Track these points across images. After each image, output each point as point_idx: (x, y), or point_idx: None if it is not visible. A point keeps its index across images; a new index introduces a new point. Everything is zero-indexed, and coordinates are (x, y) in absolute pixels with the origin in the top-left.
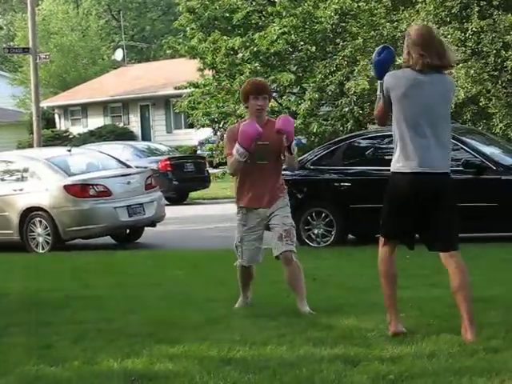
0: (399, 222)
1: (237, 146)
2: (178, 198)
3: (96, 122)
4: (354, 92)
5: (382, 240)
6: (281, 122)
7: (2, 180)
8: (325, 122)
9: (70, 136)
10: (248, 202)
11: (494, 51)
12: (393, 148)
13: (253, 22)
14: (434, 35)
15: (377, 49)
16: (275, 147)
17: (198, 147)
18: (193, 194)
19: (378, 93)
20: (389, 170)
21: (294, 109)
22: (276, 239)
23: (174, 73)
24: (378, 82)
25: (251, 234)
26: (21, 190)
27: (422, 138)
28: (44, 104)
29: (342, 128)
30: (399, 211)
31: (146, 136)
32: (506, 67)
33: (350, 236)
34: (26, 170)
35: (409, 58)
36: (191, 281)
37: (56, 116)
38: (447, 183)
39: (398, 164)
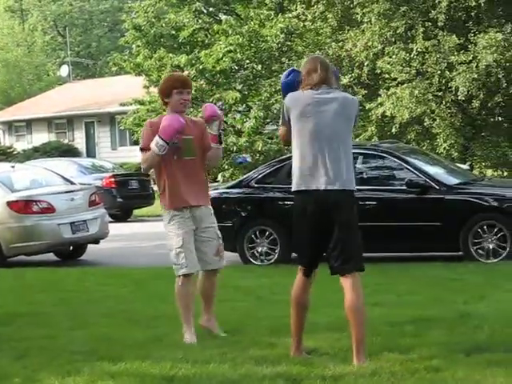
0: (309, 243)
1: (156, 138)
2: (122, 215)
3: (41, 138)
4: None
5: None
6: (208, 109)
7: None
8: (270, 141)
9: (14, 152)
10: (183, 201)
11: (439, 72)
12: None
13: (199, 39)
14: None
15: (285, 72)
16: (199, 142)
17: None
18: (137, 212)
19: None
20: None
21: (240, 127)
22: (214, 254)
23: (120, 89)
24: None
25: (191, 236)
26: None
27: (318, 155)
28: None
29: (286, 147)
30: (306, 233)
31: (90, 153)
32: (450, 88)
33: (294, 254)
34: None
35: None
36: (134, 298)
37: (0, 132)
38: (343, 200)
39: (297, 181)
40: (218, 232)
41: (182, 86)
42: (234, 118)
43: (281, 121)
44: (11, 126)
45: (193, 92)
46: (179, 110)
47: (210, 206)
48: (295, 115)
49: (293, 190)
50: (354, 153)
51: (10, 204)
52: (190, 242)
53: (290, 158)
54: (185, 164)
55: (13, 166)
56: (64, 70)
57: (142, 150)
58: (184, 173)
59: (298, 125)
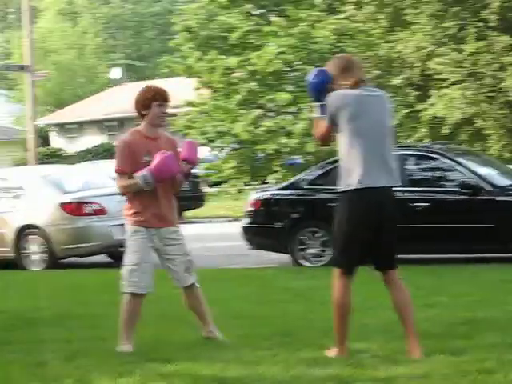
0: (363, 243)
1: (147, 174)
2: None
3: (92, 140)
4: None
5: (337, 271)
6: (186, 150)
7: None
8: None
9: (66, 154)
10: (150, 221)
11: (491, 72)
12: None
13: (250, 41)
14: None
15: (312, 71)
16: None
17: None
18: (188, 213)
19: (319, 115)
20: None
21: (290, 128)
22: (182, 271)
23: (171, 91)
24: (316, 104)
25: (150, 255)
26: (16, 207)
27: (377, 153)
28: (40, 122)
29: (338, 148)
30: (362, 233)
31: None
32: (501, 88)
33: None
34: (21, 188)
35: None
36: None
37: (52, 134)
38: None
39: (357, 181)
40: (185, 247)
41: (163, 99)
42: (285, 120)
43: (327, 120)
44: (63, 128)
45: (244, 94)
46: (157, 124)
47: (177, 224)
48: (348, 114)
49: (349, 188)
50: (405, 154)
51: (62, 206)
52: (148, 261)
53: None
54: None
55: (65, 168)
56: (115, 73)
57: (118, 172)
58: (156, 193)
59: (352, 124)
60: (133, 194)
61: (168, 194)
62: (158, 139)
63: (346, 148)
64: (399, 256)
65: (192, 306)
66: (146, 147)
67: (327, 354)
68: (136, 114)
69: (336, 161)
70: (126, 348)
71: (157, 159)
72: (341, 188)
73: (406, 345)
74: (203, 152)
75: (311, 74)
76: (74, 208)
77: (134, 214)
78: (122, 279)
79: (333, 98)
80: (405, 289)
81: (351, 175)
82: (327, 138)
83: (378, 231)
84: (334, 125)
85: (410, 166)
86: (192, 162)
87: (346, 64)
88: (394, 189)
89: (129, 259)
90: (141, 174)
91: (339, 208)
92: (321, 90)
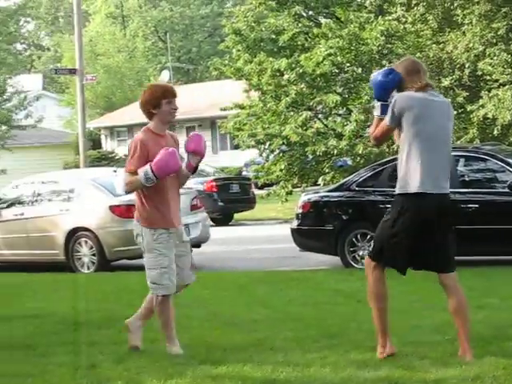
0: (413, 246)
1: (148, 170)
2: (223, 218)
3: None
4: None
5: (373, 263)
6: (193, 142)
7: (49, 200)
8: (370, 144)
9: (116, 157)
10: (170, 222)
11: None
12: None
13: (299, 43)
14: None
15: (382, 70)
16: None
17: (244, 168)
18: (238, 215)
19: (379, 114)
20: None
21: (340, 130)
22: (189, 268)
23: (220, 94)
24: (378, 103)
25: (174, 257)
26: (67, 210)
27: (438, 159)
28: (90, 125)
29: (387, 149)
30: (415, 234)
31: None
32: None
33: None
34: (72, 191)
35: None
36: (235, 302)
37: (102, 137)
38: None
39: (417, 184)
40: (189, 245)
41: (172, 96)
42: (335, 122)
43: (388, 120)
44: (113, 131)
45: (293, 96)
46: (168, 121)
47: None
48: (412, 117)
49: (408, 192)
50: (455, 155)
51: (112, 208)
52: (173, 263)
53: (391, 160)
54: (170, 183)
55: (115, 171)
56: (165, 75)
57: (130, 172)
58: (170, 193)
59: (415, 127)
60: (147, 194)
61: (177, 194)
62: (165, 136)
63: (407, 150)
64: None
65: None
66: (159, 145)
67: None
68: (148, 113)
69: (386, 162)
70: (175, 350)
71: (159, 155)
72: (399, 190)
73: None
74: (252, 154)
75: (381, 72)
76: (124, 211)
77: (152, 215)
78: (152, 282)
79: (399, 99)
80: (462, 293)
81: (411, 178)
82: (383, 138)
83: (432, 234)
84: (397, 126)
85: (461, 167)
86: (199, 154)
87: (415, 67)
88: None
89: (158, 262)
90: (143, 170)
91: (394, 208)
92: (387, 89)
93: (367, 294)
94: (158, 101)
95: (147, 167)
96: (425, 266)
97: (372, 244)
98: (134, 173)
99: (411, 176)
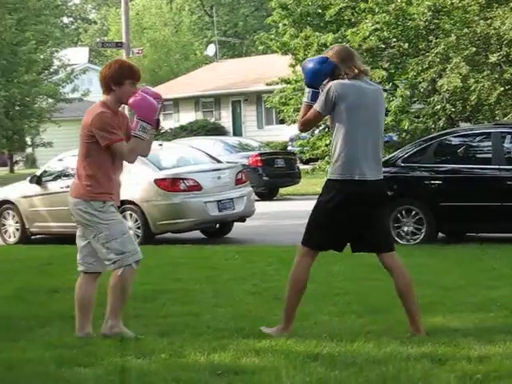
0: (338, 231)
1: (141, 123)
2: (268, 193)
3: (188, 116)
4: (447, 89)
5: (305, 250)
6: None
7: None
8: (416, 120)
9: (162, 131)
10: (116, 197)
11: None
12: (485, 147)
13: (345, 18)
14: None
15: (316, 57)
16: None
17: (289, 143)
18: (283, 190)
19: (308, 101)
20: (481, 168)
21: (386, 106)
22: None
23: (266, 68)
24: (309, 89)
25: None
26: None
27: (371, 146)
28: None
29: (433, 125)
30: (350, 219)
31: (237, 131)
32: None
33: (440, 234)
34: None
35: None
36: (279, 276)
37: None
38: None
39: (342, 171)
40: None
41: (137, 78)
42: None
43: (320, 107)
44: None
45: None
46: (125, 102)
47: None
48: (348, 105)
49: (342, 178)
50: (502, 132)
51: (157, 182)
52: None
53: (437, 137)
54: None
55: (160, 145)
56: (211, 50)
57: (119, 141)
58: (115, 167)
59: (350, 115)
60: (96, 168)
61: (120, 171)
62: (118, 113)
63: (341, 138)
64: (496, 234)
65: (91, 296)
66: (116, 121)
67: (263, 331)
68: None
69: (432, 138)
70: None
71: (135, 107)
72: (333, 176)
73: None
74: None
75: (314, 59)
76: (169, 184)
77: (104, 188)
78: (118, 253)
79: (334, 87)
80: (406, 271)
81: (345, 165)
82: (312, 125)
83: (367, 218)
84: (329, 113)
85: (507, 144)
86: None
87: (348, 54)
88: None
89: (117, 230)
90: (137, 129)
91: (325, 192)
92: (320, 76)
93: (290, 279)
94: (122, 79)
95: (140, 123)
96: (365, 248)
97: (305, 231)
98: (122, 140)
99: (345, 162)
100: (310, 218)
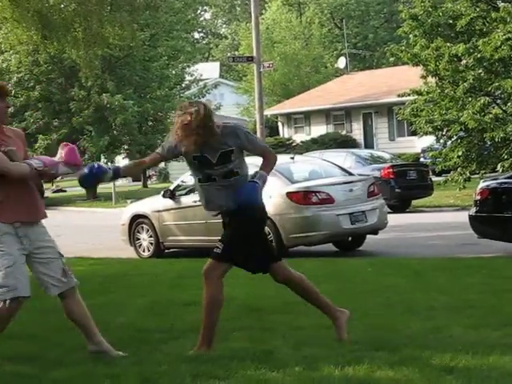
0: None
1: (64, 167)
2: (400, 205)
3: (318, 129)
4: None
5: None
6: (65, 153)
7: None
8: None
9: (293, 144)
10: (20, 215)
11: None
12: None
13: (476, 28)
14: None
15: (86, 167)
16: (21, 153)
17: (421, 155)
18: (415, 202)
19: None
20: None
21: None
22: (59, 274)
23: (397, 80)
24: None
25: (23, 256)
26: None
27: None
28: (267, 112)
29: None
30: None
31: (368, 143)
32: None
33: None
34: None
35: None
36: (413, 289)
37: (279, 124)
38: None
39: None
40: (57, 250)
41: (4, 94)
42: None
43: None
44: (290, 118)
45: (471, 81)
46: (1, 120)
47: (43, 223)
48: None
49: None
50: None
51: (289, 195)
52: (23, 263)
53: None
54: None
55: (292, 158)
56: (341, 62)
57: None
58: (19, 185)
59: None
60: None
61: (28, 185)
62: (2, 131)
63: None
64: None
65: (77, 315)
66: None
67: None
68: None
69: None
70: None
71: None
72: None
73: None
74: (430, 141)
75: (88, 168)
76: (301, 197)
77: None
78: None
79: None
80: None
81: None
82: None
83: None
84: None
85: None
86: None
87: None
88: None
89: (2, 261)
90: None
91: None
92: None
93: (206, 302)
94: None
95: (57, 164)
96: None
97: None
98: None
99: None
100: None
